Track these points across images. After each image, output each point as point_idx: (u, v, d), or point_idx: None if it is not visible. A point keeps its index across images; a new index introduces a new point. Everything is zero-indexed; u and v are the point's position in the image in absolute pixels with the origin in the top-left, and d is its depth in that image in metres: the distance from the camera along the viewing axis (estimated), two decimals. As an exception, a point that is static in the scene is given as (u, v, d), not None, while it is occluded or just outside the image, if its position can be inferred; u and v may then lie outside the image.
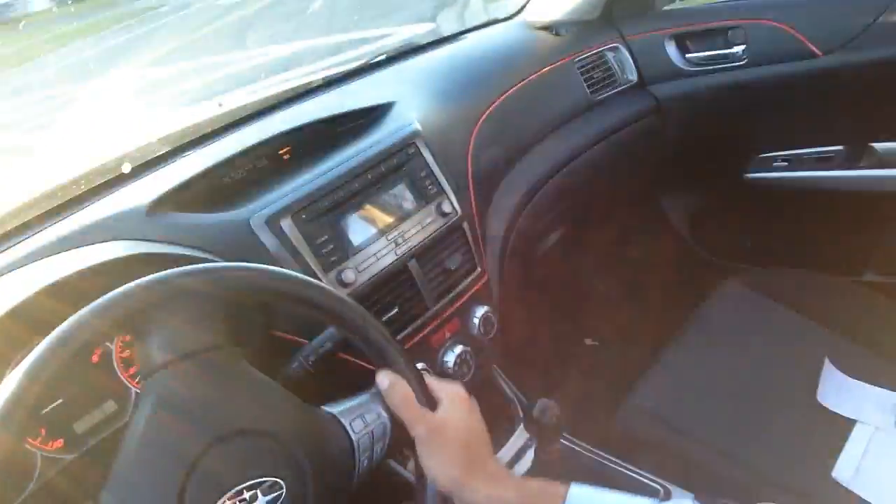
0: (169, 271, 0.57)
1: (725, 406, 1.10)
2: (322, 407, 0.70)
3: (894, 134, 1.37)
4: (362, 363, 0.88)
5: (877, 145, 1.39)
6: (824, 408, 1.05)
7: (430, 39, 1.47)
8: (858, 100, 1.37)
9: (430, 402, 0.70)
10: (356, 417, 0.68)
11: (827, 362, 1.11)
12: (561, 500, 0.65)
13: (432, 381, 0.73)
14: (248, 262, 0.65)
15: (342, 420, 0.68)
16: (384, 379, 0.69)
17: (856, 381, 1.08)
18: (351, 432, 0.67)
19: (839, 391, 1.07)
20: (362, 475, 0.68)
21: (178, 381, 0.59)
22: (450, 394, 0.72)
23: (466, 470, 0.67)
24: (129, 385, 0.81)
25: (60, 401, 0.74)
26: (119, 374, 0.80)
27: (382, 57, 1.37)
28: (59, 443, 0.74)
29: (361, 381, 0.73)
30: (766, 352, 1.18)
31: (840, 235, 1.50)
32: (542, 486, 0.68)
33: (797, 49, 1.34)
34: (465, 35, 1.49)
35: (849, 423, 1.02)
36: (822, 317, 1.20)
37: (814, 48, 1.32)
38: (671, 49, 1.49)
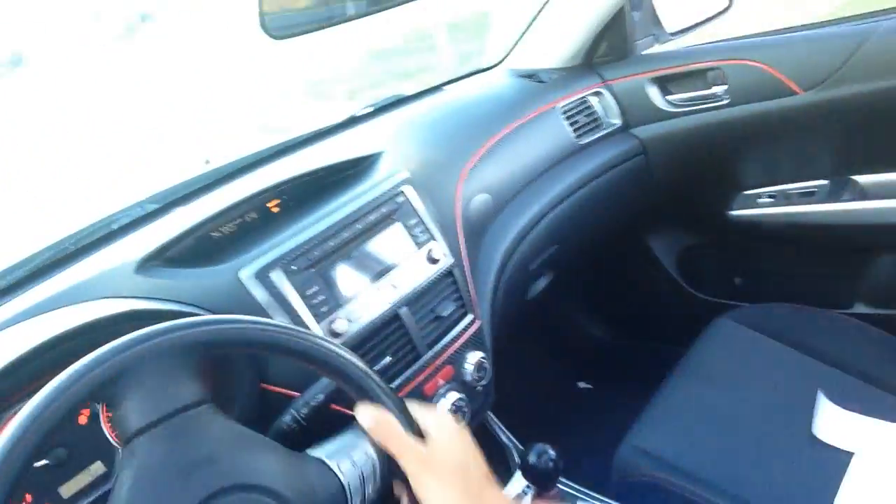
0: (118, 342, 0.56)
1: (723, 444, 1.09)
2: (307, 451, 0.68)
3: (876, 166, 1.39)
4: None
5: (859, 178, 1.41)
6: (821, 441, 1.04)
7: (416, 91, 1.49)
8: (839, 134, 1.40)
9: (418, 432, 0.68)
10: (343, 458, 0.67)
11: (821, 395, 1.10)
12: None
13: (417, 410, 0.70)
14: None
15: (328, 462, 0.66)
16: (365, 413, 0.66)
17: (850, 413, 1.07)
18: (339, 474, 0.66)
19: (834, 424, 1.06)
20: None
21: (157, 446, 0.57)
22: (437, 422, 0.69)
23: (464, 500, 0.64)
24: (118, 445, 0.80)
25: (46, 463, 0.73)
26: (107, 434, 0.79)
27: (369, 109, 1.40)
28: (45, 506, 0.72)
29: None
30: (760, 387, 1.18)
31: (828, 268, 1.51)
32: None
33: (777, 87, 1.37)
34: (450, 85, 1.52)
35: (846, 456, 1.01)
36: (814, 350, 1.20)
37: (793, 86, 1.35)
38: (653, 92, 1.52)
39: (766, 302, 1.38)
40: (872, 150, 1.37)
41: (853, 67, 1.28)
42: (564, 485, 1.12)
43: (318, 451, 0.68)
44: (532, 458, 1.01)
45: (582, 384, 1.76)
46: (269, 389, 0.85)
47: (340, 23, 0.99)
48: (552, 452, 1.01)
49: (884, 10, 1.32)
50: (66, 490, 0.75)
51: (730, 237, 1.63)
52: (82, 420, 0.78)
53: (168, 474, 0.57)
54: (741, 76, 1.41)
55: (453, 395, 1.00)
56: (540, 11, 1.52)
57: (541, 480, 1.04)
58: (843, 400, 1.09)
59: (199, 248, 0.94)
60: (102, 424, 0.79)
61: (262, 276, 0.86)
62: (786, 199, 1.50)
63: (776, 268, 1.62)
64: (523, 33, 1.57)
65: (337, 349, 0.67)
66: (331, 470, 0.66)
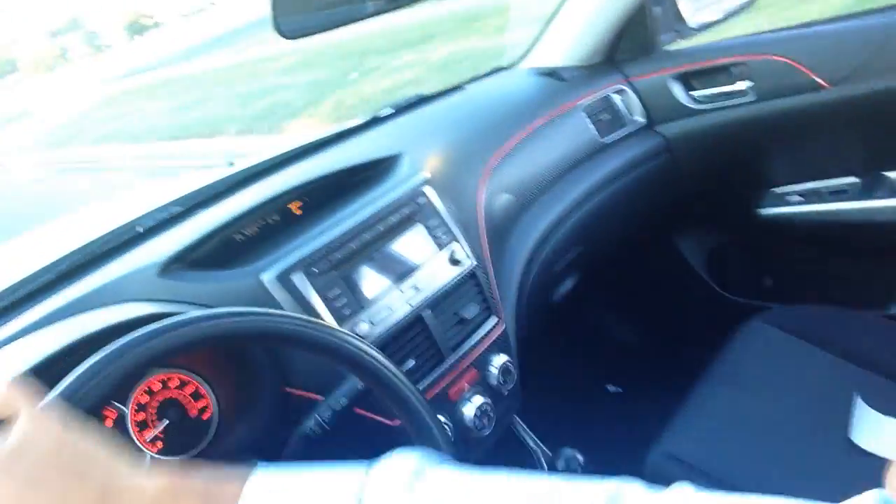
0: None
1: (757, 451, 1.06)
2: None
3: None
4: (380, 418, 0.86)
5: (891, 174, 1.38)
6: (857, 447, 1.01)
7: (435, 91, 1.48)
8: (869, 129, 1.36)
9: None
10: None
11: (858, 399, 1.07)
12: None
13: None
14: None
15: None
16: None
17: (888, 418, 1.04)
18: None
19: (871, 429, 1.03)
20: None
21: None
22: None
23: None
24: (145, 449, 0.79)
25: None
26: (134, 437, 0.79)
27: (390, 110, 1.39)
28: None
29: (381, 438, 0.71)
30: (794, 392, 1.14)
31: (862, 268, 1.48)
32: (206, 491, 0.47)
33: (803, 82, 1.33)
34: (471, 84, 1.51)
35: (884, 462, 0.98)
36: (849, 353, 1.17)
37: (820, 81, 1.32)
38: (677, 88, 1.49)
39: (798, 303, 1.35)
40: None
41: (881, 60, 1.25)
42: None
43: None
44: (560, 464, 1.00)
45: (611, 388, 1.73)
46: (293, 393, 0.84)
47: (353, 21, 0.98)
48: (580, 458, 0.99)
49: None
50: None
51: (759, 237, 1.60)
52: (108, 423, 0.78)
53: None
54: (767, 71, 1.38)
55: (479, 400, 0.99)
56: (560, 8, 1.50)
57: None
58: (881, 404, 1.06)
59: (222, 251, 0.93)
60: (129, 428, 0.79)
61: (284, 278, 0.85)
62: (816, 196, 1.46)
63: (808, 268, 1.58)
64: (543, 31, 1.55)
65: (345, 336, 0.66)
66: None
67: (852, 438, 1.02)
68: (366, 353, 0.66)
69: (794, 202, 1.49)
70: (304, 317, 0.65)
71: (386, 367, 0.67)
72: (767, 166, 1.52)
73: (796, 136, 1.44)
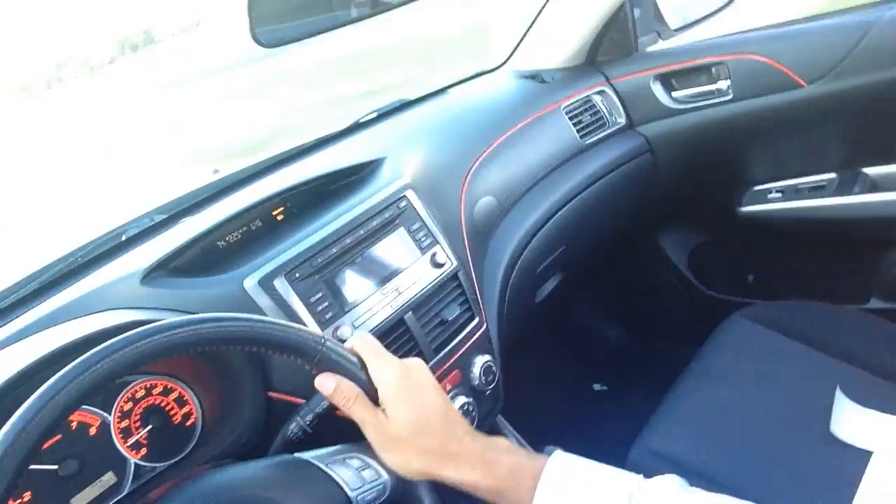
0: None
1: (738, 445, 1.08)
2: (296, 454, 0.69)
3: (885, 158, 1.37)
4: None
5: (868, 170, 1.39)
6: (838, 439, 1.02)
7: (419, 95, 1.49)
8: (846, 126, 1.38)
9: (375, 395, 0.66)
10: (340, 466, 0.67)
11: (838, 393, 1.08)
12: (534, 481, 0.61)
13: (373, 368, 0.67)
14: None
15: (323, 467, 0.67)
16: (324, 381, 0.66)
17: (869, 410, 1.05)
18: (339, 480, 0.66)
19: (852, 422, 1.04)
20: None
21: None
22: (387, 378, 0.66)
23: (427, 461, 0.64)
24: (128, 456, 0.80)
25: (57, 472, 0.74)
26: (118, 444, 0.80)
27: (373, 114, 1.40)
28: (56, 519, 0.73)
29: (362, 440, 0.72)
30: (775, 386, 1.16)
31: (841, 263, 1.49)
32: (516, 464, 0.64)
33: (781, 81, 1.35)
34: (453, 88, 1.52)
35: (865, 455, 0.99)
36: (829, 346, 1.18)
37: (798, 79, 1.33)
38: (657, 89, 1.51)
39: (780, 299, 1.36)
40: (880, 141, 1.36)
41: (857, 58, 1.27)
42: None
43: (308, 455, 0.69)
44: None
45: (597, 386, 1.75)
46: (276, 398, 0.85)
47: (330, 29, 0.99)
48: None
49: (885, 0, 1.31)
50: (78, 501, 0.75)
51: (740, 234, 1.61)
52: (92, 431, 0.78)
53: None
54: (745, 71, 1.40)
55: (461, 400, 1.00)
56: (541, 11, 1.52)
57: None
58: (862, 397, 1.07)
59: (204, 258, 0.94)
60: (113, 435, 0.80)
61: (266, 283, 0.86)
62: (795, 193, 1.48)
63: (788, 264, 1.60)
64: (525, 34, 1.57)
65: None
66: (328, 476, 0.66)
67: (833, 431, 1.04)
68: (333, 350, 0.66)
69: (773, 199, 1.51)
70: (278, 321, 0.66)
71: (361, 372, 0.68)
72: (747, 164, 1.53)
73: (775, 133, 1.45)
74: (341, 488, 0.66)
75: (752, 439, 1.08)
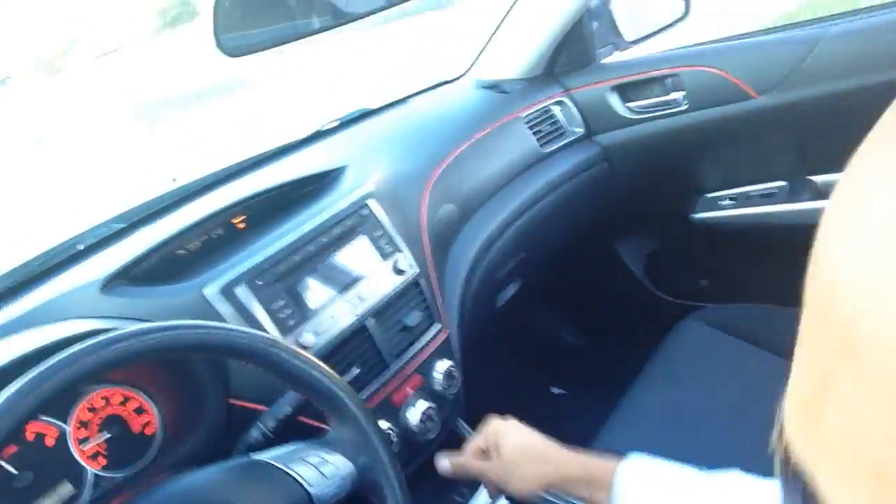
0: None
1: (691, 443, 1.11)
2: (251, 456, 0.69)
3: (831, 166, 1.42)
4: (324, 426, 0.87)
5: (816, 178, 1.44)
6: (790, 439, 1.06)
7: (380, 105, 1.51)
8: (795, 136, 1.43)
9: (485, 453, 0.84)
10: (299, 464, 0.68)
11: None
12: (612, 472, 0.73)
13: (485, 431, 0.86)
14: None
15: (282, 467, 0.67)
16: (443, 463, 0.87)
17: None
18: (300, 479, 0.66)
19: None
20: None
21: None
22: (492, 436, 0.84)
23: (538, 480, 0.79)
24: (87, 466, 0.80)
25: (12, 483, 0.73)
26: (76, 454, 0.79)
27: (334, 123, 1.40)
28: (13, 530, 0.72)
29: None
30: (727, 387, 1.19)
31: (790, 267, 1.53)
32: (602, 461, 0.77)
33: (733, 92, 1.40)
34: (414, 97, 1.53)
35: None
36: (779, 348, 1.22)
37: (748, 90, 1.38)
38: (614, 99, 1.55)
39: (732, 302, 1.40)
40: (827, 150, 1.40)
41: (805, 71, 1.31)
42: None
43: (265, 455, 0.69)
44: None
45: (556, 389, 1.77)
46: (237, 405, 0.85)
47: (299, 38, 1.00)
48: None
49: (831, 15, 1.37)
50: None
51: (694, 240, 1.66)
52: (49, 442, 0.78)
53: None
54: (698, 82, 1.44)
55: (423, 404, 1.01)
56: (502, 22, 1.54)
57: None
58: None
59: (164, 267, 0.94)
60: (71, 445, 0.79)
61: (228, 291, 0.86)
62: (746, 200, 1.53)
63: (740, 268, 1.65)
64: (486, 44, 1.59)
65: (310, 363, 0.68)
66: (287, 474, 0.67)
67: None
68: (297, 359, 0.68)
69: (726, 206, 1.55)
70: (239, 328, 0.67)
71: (321, 375, 0.69)
72: (700, 173, 1.58)
73: (727, 143, 1.50)
74: (301, 486, 0.66)
75: (706, 438, 1.11)
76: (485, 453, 0.84)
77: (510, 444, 0.82)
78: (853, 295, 0.17)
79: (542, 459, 0.80)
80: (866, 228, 0.17)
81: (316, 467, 0.68)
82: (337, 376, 0.72)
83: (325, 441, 0.70)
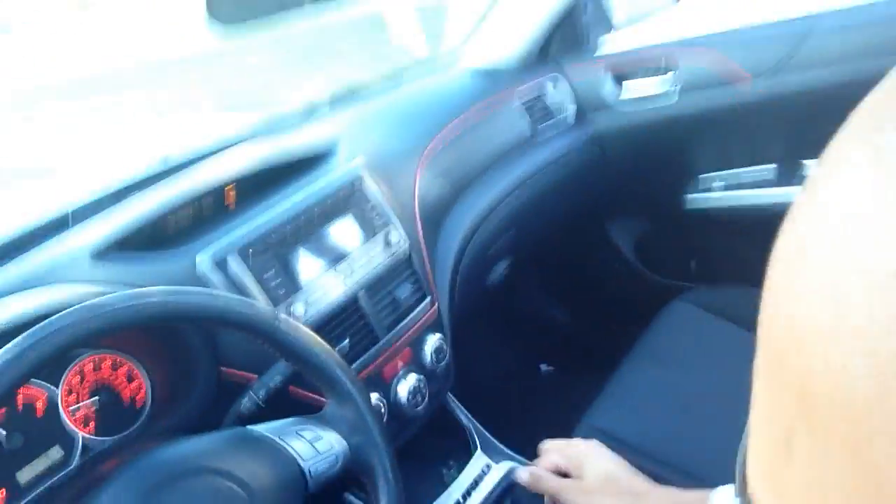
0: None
1: (678, 423, 1.12)
2: (248, 428, 0.70)
3: (822, 151, 1.43)
4: (315, 396, 0.88)
5: (807, 162, 1.46)
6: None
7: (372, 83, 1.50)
8: (788, 121, 1.44)
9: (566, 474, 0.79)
10: (293, 437, 0.68)
11: None
12: None
13: (565, 450, 0.82)
14: None
15: (278, 440, 0.68)
16: (522, 476, 0.81)
17: None
18: (294, 453, 0.67)
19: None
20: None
21: None
22: (575, 458, 0.80)
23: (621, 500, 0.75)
24: (76, 431, 0.80)
25: (4, 445, 0.73)
26: (66, 420, 0.79)
27: (326, 99, 1.40)
28: (1, 493, 0.72)
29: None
30: (714, 368, 1.21)
31: (778, 251, 1.56)
32: (691, 495, 0.75)
33: (727, 78, 1.40)
34: (407, 77, 1.53)
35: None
36: None
37: (742, 75, 1.39)
38: (608, 84, 1.55)
39: (721, 285, 1.42)
40: (818, 135, 1.41)
41: (799, 58, 1.32)
42: (526, 464, 1.14)
43: (260, 427, 0.70)
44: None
45: (545, 367, 1.78)
46: (228, 373, 0.85)
47: (290, 8, 0.99)
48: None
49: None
50: (24, 475, 0.75)
51: (685, 222, 1.67)
52: (39, 406, 0.78)
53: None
54: (692, 67, 1.44)
55: (412, 377, 1.02)
56: (495, 5, 1.53)
57: None
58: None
59: (156, 235, 0.93)
60: (61, 410, 0.79)
61: (219, 261, 0.86)
62: (737, 183, 1.54)
63: (730, 250, 1.66)
64: (479, 27, 1.58)
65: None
66: (281, 447, 0.67)
67: None
68: (291, 330, 0.68)
69: (716, 189, 1.56)
70: (233, 295, 0.67)
71: (321, 352, 0.69)
72: (692, 157, 1.58)
73: (720, 128, 1.51)
74: (294, 459, 0.67)
75: (693, 418, 1.12)
76: (565, 473, 0.81)
77: (595, 470, 0.78)
78: (807, 345, 0.16)
79: (627, 492, 0.76)
80: (809, 273, 0.16)
81: (310, 442, 0.68)
82: (336, 354, 0.72)
83: (321, 417, 0.71)
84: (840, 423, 0.15)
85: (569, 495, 0.77)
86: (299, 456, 0.67)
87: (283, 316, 0.70)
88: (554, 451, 0.83)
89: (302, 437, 0.69)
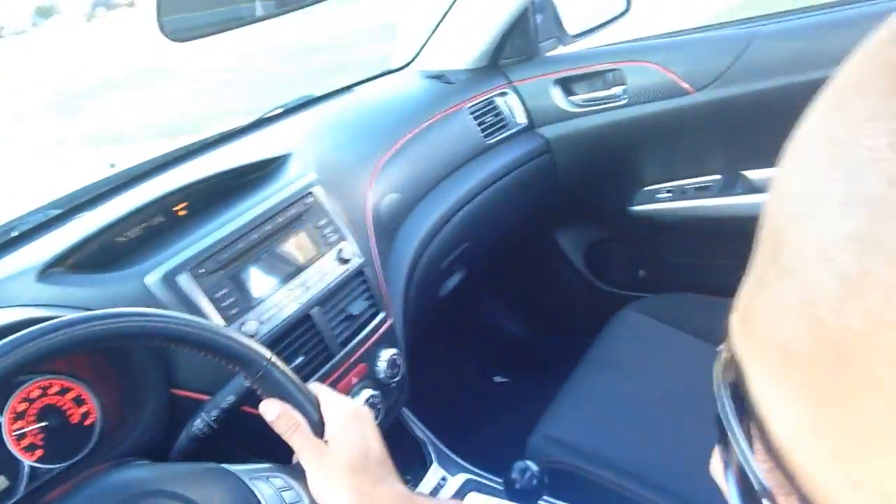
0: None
1: (629, 430, 1.15)
2: (221, 465, 0.68)
3: (763, 162, 1.48)
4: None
5: (749, 173, 1.50)
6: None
7: (324, 92, 1.50)
8: (729, 132, 1.49)
9: (321, 426, 0.68)
10: (262, 482, 0.66)
11: None
12: None
13: (326, 403, 0.70)
14: None
15: (244, 479, 0.66)
16: (269, 406, 0.66)
17: None
18: (257, 493, 0.65)
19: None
20: None
21: None
22: (337, 414, 0.68)
23: (356, 499, 0.63)
24: (22, 458, 0.78)
25: None
26: (11, 447, 0.77)
27: (278, 110, 1.39)
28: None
29: (269, 435, 0.73)
30: (663, 374, 1.24)
31: (724, 258, 1.60)
32: None
33: (671, 87, 1.44)
34: (359, 86, 1.53)
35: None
36: (714, 336, 1.27)
37: (686, 86, 1.43)
38: (556, 92, 1.57)
39: (668, 292, 1.45)
40: (759, 146, 1.46)
41: (740, 69, 1.37)
42: (481, 476, 1.15)
43: (231, 467, 0.68)
44: (514, 475, 1.01)
45: (498, 378, 1.80)
46: (179, 395, 0.84)
47: (244, 25, 0.98)
48: (535, 468, 1.01)
49: (766, 14, 1.42)
50: None
51: (632, 231, 1.70)
52: (-18, 434, 0.76)
53: None
54: (638, 77, 1.48)
55: (367, 392, 1.02)
56: (447, 13, 1.55)
57: (523, 497, 1.03)
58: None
59: (104, 254, 0.92)
60: (5, 437, 0.77)
61: (169, 280, 0.85)
62: (682, 193, 1.58)
63: (676, 259, 1.70)
64: (431, 34, 1.59)
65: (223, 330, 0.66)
66: (247, 487, 0.65)
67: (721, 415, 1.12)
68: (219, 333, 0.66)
69: (662, 199, 1.60)
70: (183, 315, 0.66)
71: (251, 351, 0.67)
72: (639, 166, 1.62)
73: (665, 137, 1.55)
74: (258, 501, 0.65)
75: (644, 424, 1.15)
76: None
77: (344, 442, 0.67)
78: (782, 211, 0.21)
79: (366, 481, 0.65)
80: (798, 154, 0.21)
81: (278, 490, 0.67)
82: (301, 382, 0.70)
83: (296, 468, 0.69)
84: (795, 263, 0.19)
85: (306, 459, 0.66)
86: (263, 498, 0.65)
87: (235, 334, 0.68)
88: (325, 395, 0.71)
89: (271, 483, 0.67)
